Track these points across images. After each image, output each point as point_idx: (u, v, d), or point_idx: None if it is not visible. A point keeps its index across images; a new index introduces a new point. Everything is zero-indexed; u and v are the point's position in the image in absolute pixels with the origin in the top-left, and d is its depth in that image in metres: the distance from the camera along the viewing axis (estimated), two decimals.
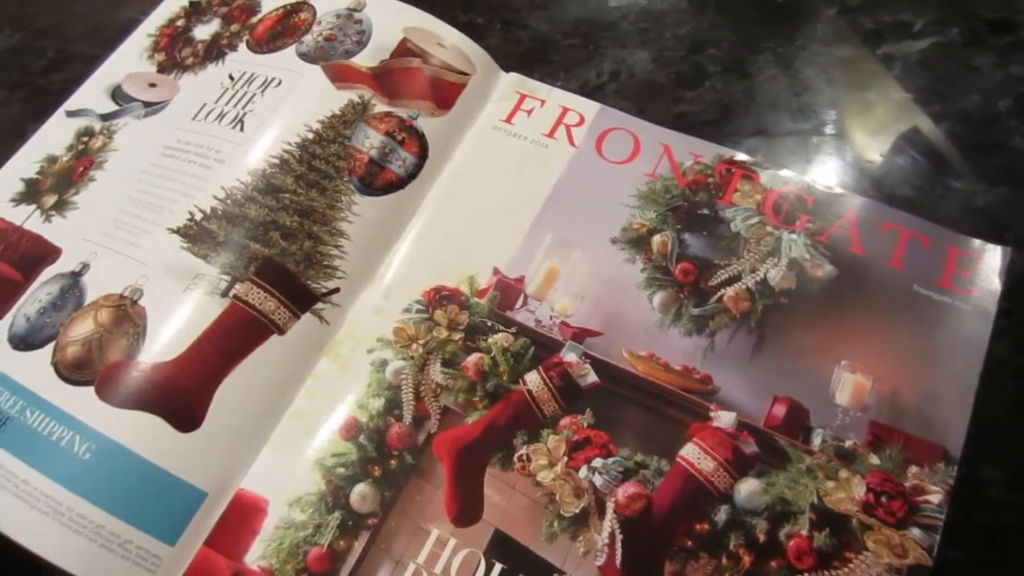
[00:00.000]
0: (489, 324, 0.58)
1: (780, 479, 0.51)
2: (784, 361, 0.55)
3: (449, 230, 0.63)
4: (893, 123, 0.65)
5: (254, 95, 0.66)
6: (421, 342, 0.58)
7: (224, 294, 0.57)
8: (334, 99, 0.65)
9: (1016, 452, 0.52)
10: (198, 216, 0.60)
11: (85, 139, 0.69)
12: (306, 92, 0.66)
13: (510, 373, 0.56)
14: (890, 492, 0.49)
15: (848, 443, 0.52)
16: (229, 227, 0.59)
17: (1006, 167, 0.62)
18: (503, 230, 0.62)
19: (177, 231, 0.60)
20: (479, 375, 0.56)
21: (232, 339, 0.56)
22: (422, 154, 0.64)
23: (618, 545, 0.50)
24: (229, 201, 0.60)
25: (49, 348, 0.56)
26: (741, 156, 0.63)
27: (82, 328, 0.57)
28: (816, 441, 0.52)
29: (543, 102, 0.68)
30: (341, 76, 0.66)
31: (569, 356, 0.56)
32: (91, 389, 0.54)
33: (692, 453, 0.52)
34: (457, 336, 0.58)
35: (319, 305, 0.58)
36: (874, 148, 0.64)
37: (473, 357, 0.57)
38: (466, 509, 0.52)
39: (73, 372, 0.55)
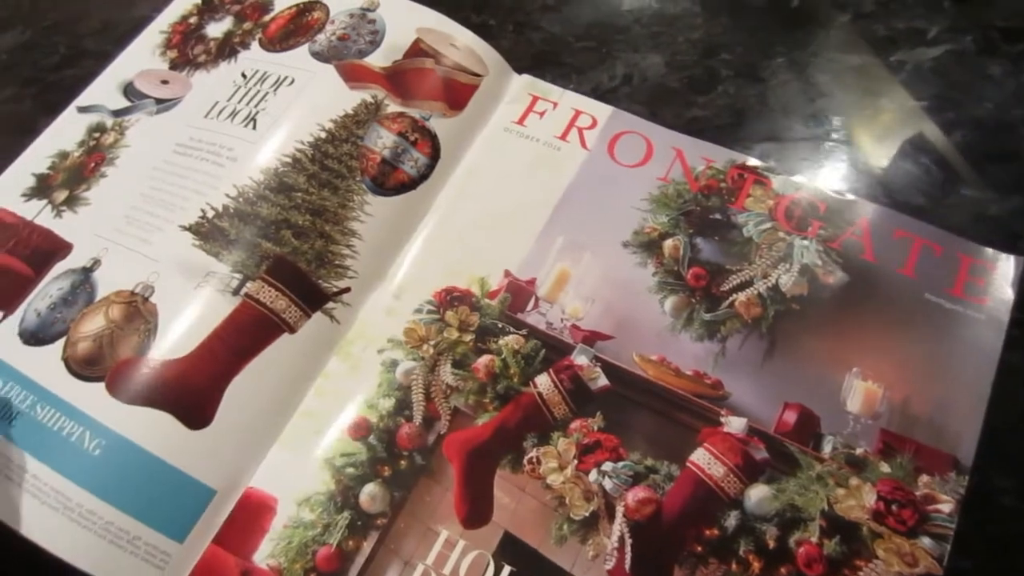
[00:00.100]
0: (500, 326, 0.58)
1: (790, 486, 0.50)
2: (795, 367, 0.55)
3: (460, 231, 0.63)
4: (906, 130, 0.65)
5: (267, 94, 0.66)
6: (432, 343, 0.57)
7: (235, 292, 0.57)
8: (347, 99, 0.65)
9: None
10: (210, 214, 0.60)
11: (97, 135, 0.69)
12: (319, 91, 0.66)
13: (520, 375, 0.56)
14: (901, 500, 0.49)
15: (859, 451, 0.51)
16: (241, 225, 0.59)
17: (1019, 176, 0.62)
18: (515, 232, 0.62)
19: (189, 228, 0.60)
20: (489, 377, 0.56)
21: (243, 337, 0.56)
22: (434, 155, 0.64)
23: (627, 549, 0.50)
24: (241, 199, 0.60)
25: (60, 344, 0.56)
26: (753, 161, 0.63)
27: (93, 324, 0.57)
28: (827, 448, 0.52)
29: (555, 104, 0.67)
30: (354, 76, 0.66)
31: (580, 359, 0.56)
32: (102, 385, 0.54)
33: (702, 458, 0.52)
34: (468, 337, 0.58)
35: (330, 304, 0.58)
36: (887, 155, 0.64)
37: (484, 359, 0.57)
38: (476, 511, 0.52)
39: (84, 368, 0.55)
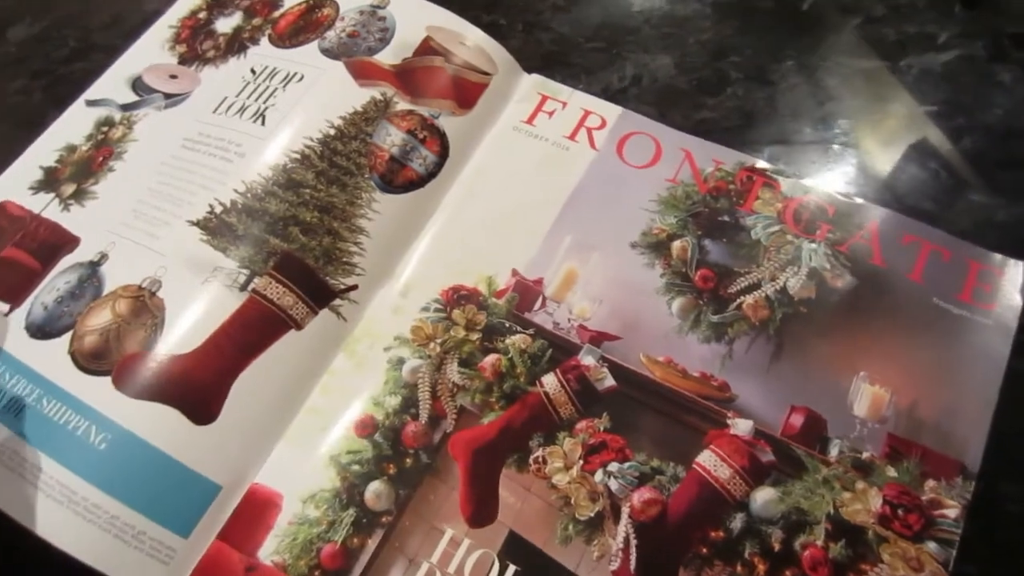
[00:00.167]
0: (507, 325, 0.58)
1: (796, 489, 0.50)
2: (802, 370, 0.55)
3: (468, 230, 0.63)
4: (915, 135, 0.65)
5: (276, 90, 0.66)
6: (438, 341, 0.57)
7: (243, 288, 0.57)
8: (356, 96, 0.65)
9: None
10: (218, 209, 0.60)
11: (105, 129, 0.69)
12: (328, 88, 0.66)
13: (527, 375, 0.56)
14: (907, 505, 0.49)
15: (865, 455, 0.51)
16: (249, 221, 0.59)
17: None
18: (522, 231, 0.62)
19: (197, 224, 0.60)
20: (496, 376, 0.56)
21: (249, 333, 0.56)
22: (443, 153, 0.64)
23: (632, 550, 0.50)
24: (249, 195, 0.60)
25: (67, 337, 0.56)
26: (762, 164, 0.63)
27: (100, 318, 0.57)
28: (833, 452, 0.52)
29: (565, 104, 0.67)
30: (364, 73, 0.66)
31: (587, 359, 0.56)
32: (108, 379, 0.54)
33: (708, 460, 0.52)
34: (475, 336, 0.58)
35: (337, 301, 0.58)
36: (896, 159, 0.64)
37: (490, 358, 0.57)
38: (481, 510, 0.52)
39: (90, 362, 0.55)
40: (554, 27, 0.75)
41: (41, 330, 0.57)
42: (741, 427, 0.52)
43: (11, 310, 0.59)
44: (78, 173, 0.66)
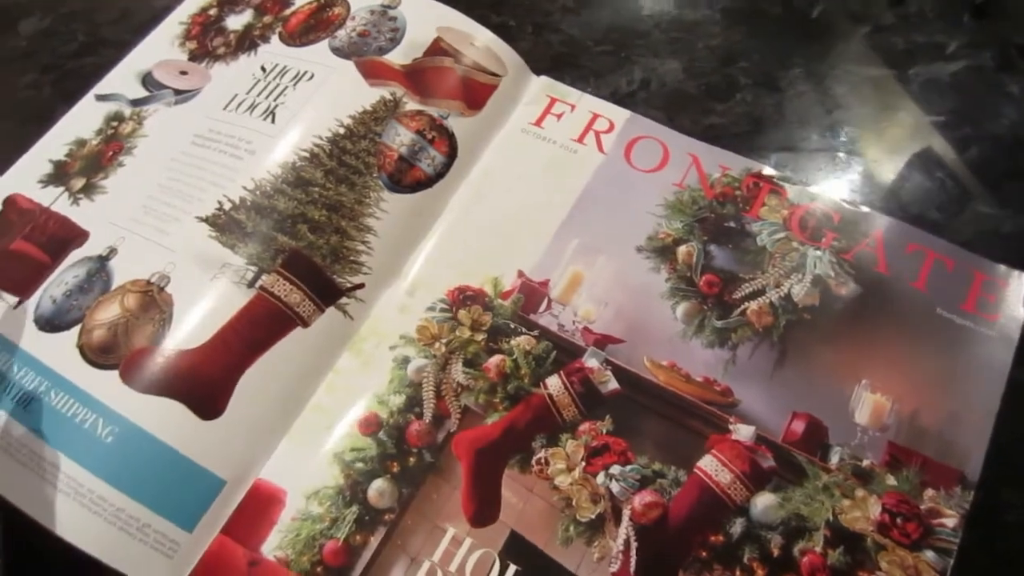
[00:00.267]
0: (512, 326, 0.58)
1: (796, 495, 0.51)
2: (805, 377, 0.55)
3: (475, 231, 0.63)
4: (922, 145, 0.65)
5: (286, 88, 0.67)
6: (444, 341, 0.58)
7: (250, 285, 0.57)
8: (366, 95, 0.66)
9: None
10: (227, 206, 0.60)
11: (115, 124, 0.69)
12: (338, 87, 0.66)
13: (531, 376, 0.56)
14: (906, 513, 0.49)
15: (865, 462, 0.52)
16: (258, 218, 0.59)
17: None
18: (529, 233, 0.62)
19: (206, 220, 0.60)
20: (500, 377, 0.56)
21: (256, 330, 0.56)
22: (451, 153, 0.65)
23: (633, 552, 0.50)
24: (258, 192, 0.61)
25: (75, 331, 0.57)
26: (769, 170, 0.63)
27: (108, 312, 0.57)
28: (834, 459, 0.52)
29: (573, 107, 0.68)
30: (374, 72, 0.67)
31: (591, 362, 0.56)
32: (116, 373, 0.54)
33: (710, 465, 0.52)
34: (480, 337, 0.58)
35: (344, 300, 0.59)
36: (902, 169, 0.64)
37: (495, 358, 0.57)
38: (483, 509, 0.52)
39: (98, 355, 0.55)
40: (564, 29, 0.75)
41: (50, 323, 0.58)
42: (743, 432, 0.53)
43: (20, 303, 0.59)
44: (87, 167, 0.66)
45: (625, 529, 0.51)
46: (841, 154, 0.66)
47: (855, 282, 0.58)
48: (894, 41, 0.70)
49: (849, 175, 0.65)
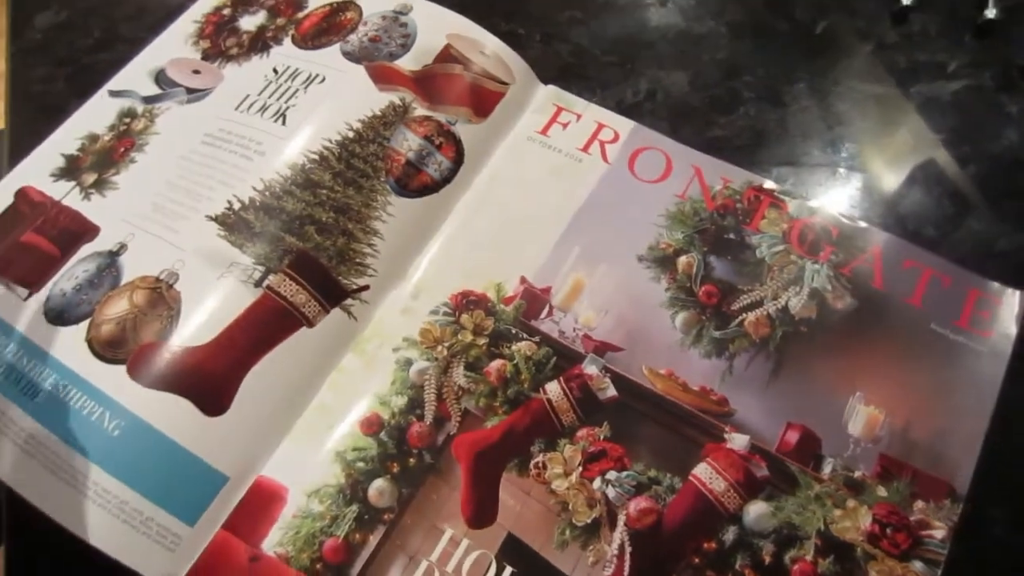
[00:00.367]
0: (514, 331, 0.59)
1: (789, 504, 0.52)
2: (800, 388, 0.56)
3: (479, 236, 0.64)
4: (922, 162, 0.66)
5: (297, 90, 0.68)
6: (446, 344, 0.59)
7: (257, 284, 0.58)
8: (375, 100, 0.66)
9: (1023, 493, 0.53)
10: (236, 206, 0.61)
11: (127, 120, 0.70)
12: (348, 91, 0.67)
13: (531, 381, 0.57)
14: (895, 524, 0.50)
15: (857, 473, 0.53)
16: (266, 218, 0.60)
17: None
18: (532, 240, 0.63)
19: (215, 219, 0.61)
20: (501, 381, 0.57)
21: (262, 328, 0.57)
22: (458, 159, 0.65)
23: (627, 557, 0.51)
24: (267, 193, 0.62)
25: (84, 325, 0.57)
26: (770, 184, 0.64)
27: (117, 308, 0.58)
28: (826, 469, 0.53)
29: (579, 116, 0.69)
30: (383, 77, 0.67)
31: (590, 368, 0.57)
32: (123, 368, 0.55)
33: (704, 472, 0.53)
34: (482, 341, 0.59)
35: (349, 301, 0.60)
36: (901, 185, 0.65)
37: (496, 363, 0.58)
38: (481, 511, 0.53)
39: (107, 350, 0.56)
40: (572, 39, 0.76)
41: (60, 316, 0.58)
42: (738, 442, 0.54)
43: (30, 295, 0.60)
44: (99, 163, 0.67)
45: (620, 534, 0.52)
46: (842, 169, 0.67)
47: (851, 296, 0.59)
48: (897, 59, 0.71)
49: (849, 190, 0.66)
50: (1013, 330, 0.57)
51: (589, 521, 0.52)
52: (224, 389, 0.55)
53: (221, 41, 0.74)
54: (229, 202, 0.61)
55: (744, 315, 0.59)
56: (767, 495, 0.52)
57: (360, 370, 0.58)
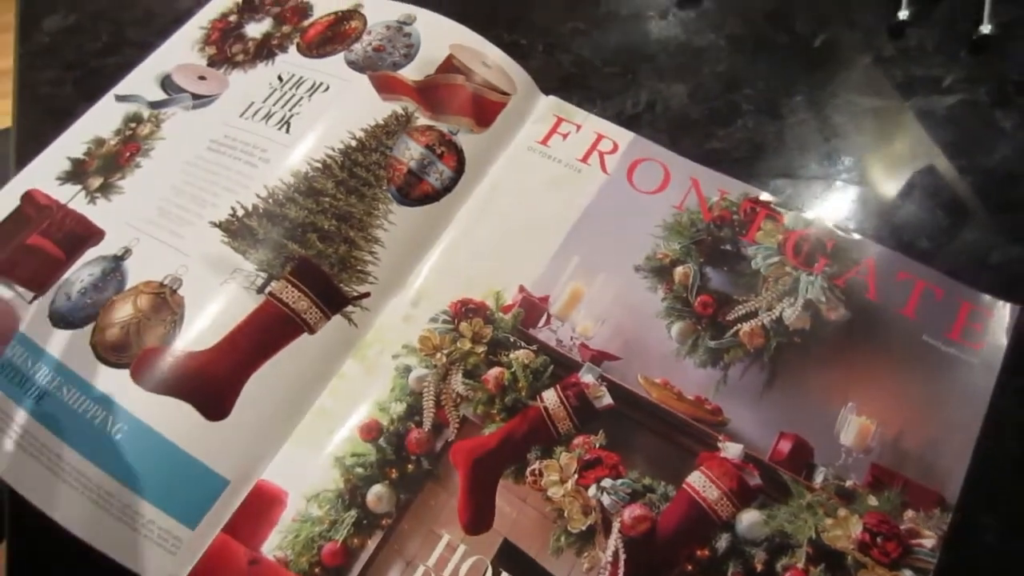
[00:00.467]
0: (512, 340, 0.60)
1: (781, 512, 0.52)
2: (793, 398, 0.57)
3: (479, 245, 0.64)
4: (917, 175, 0.67)
5: (301, 98, 0.68)
6: (445, 352, 0.59)
7: (260, 290, 0.59)
8: (379, 109, 0.67)
9: (1012, 502, 0.54)
10: (240, 212, 0.62)
11: (133, 125, 0.70)
12: (352, 100, 0.68)
13: (528, 389, 0.58)
14: (886, 533, 0.51)
15: (849, 483, 0.53)
16: (269, 225, 0.61)
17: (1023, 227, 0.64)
18: (531, 249, 0.64)
19: (219, 225, 0.62)
20: (499, 388, 0.58)
21: (264, 334, 0.58)
22: (459, 169, 0.66)
23: (621, 564, 0.51)
24: (271, 200, 0.62)
25: (88, 328, 0.58)
26: (766, 196, 0.65)
27: (122, 312, 0.59)
28: (818, 478, 0.54)
29: (579, 127, 0.69)
30: (387, 87, 0.68)
31: (587, 377, 0.58)
32: (126, 372, 0.56)
33: (698, 481, 0.54)
34: (480, 349, 0.60)
35: (349, 308, 0.60)
36: (896, 198, 0.66)
37: (494, 371, 0.59)
38: (478, 517, 0.54)
39: (110, 354, 0.57)
40: (573, 49, 0.76)
41: (64, 319, 0.59)
42: (731, 451, 0.54)
43: (35, 298, 0.61)
44: (105, 167, 0.68)
45: (614, 541, 0.52)
46: (838, 181, 0.67)
47: (845, 308, 0.60)
48: (894, 73, 0.72)
49: (844, 203, 0.66)
50: (1004, 342, 0.57)
51: (584, 528, 0.53)
52: (226, 394, 0.56)
53: (227, 48, 0.75)
54: (233, 208, 0.62)
55: (739, 325, 0.60)
56: (760, 503, 0.53)
57: (360, 376, 0.59)
